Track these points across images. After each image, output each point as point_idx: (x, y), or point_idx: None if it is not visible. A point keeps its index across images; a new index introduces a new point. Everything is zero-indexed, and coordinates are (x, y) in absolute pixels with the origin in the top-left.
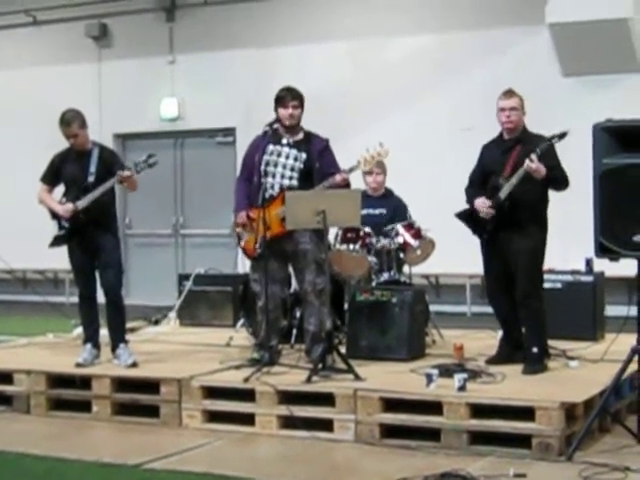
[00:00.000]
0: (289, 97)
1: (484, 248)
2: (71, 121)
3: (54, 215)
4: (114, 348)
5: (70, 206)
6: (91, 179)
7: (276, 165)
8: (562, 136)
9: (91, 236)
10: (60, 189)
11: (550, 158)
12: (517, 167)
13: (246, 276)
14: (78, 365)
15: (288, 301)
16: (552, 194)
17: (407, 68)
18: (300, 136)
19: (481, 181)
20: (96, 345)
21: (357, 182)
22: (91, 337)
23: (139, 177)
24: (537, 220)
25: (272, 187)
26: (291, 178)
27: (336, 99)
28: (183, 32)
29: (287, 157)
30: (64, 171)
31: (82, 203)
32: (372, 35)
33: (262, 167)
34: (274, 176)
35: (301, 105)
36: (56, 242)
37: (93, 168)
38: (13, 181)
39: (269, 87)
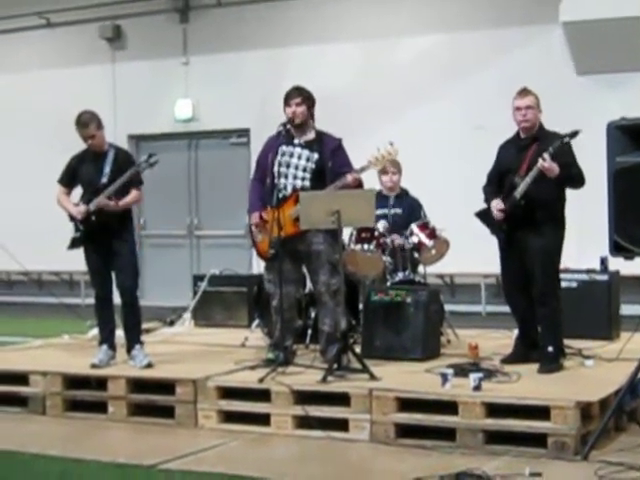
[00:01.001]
0: (292, 95)
1: (501, 247)
2: (88, 122)
3: (71, 217)
4: (129, 349)
5: (82, 208)
6: (104, 180)
7: (288, 166)
8: (574, 135)
9: (106, 238)
10: (79, 190)
11: (565, 156)
12: (533, 166)
13: (261, 277)
14: (93, 366)
15: (303, 301)
16: (568, 192)
17: (419, 68)
18: (312, 136)
19: (498, 180)
20: (112, 346)
21: (372, 182)
22: (107, 338)
23: (145, 177)
24: (553, 219)
25: (285, 188)
26: (303, 179)
27: (348, 99)
28: (197, 33)
29: (299, 157)
30: (80, 173)
31: (93, 204)
32: (384, 35)
33: (275, 168)
34: (286, 177)
35: (305, 102)
36: (73, 244)
37: (107, 169)
38: (29, 183)
39: (282, 88)
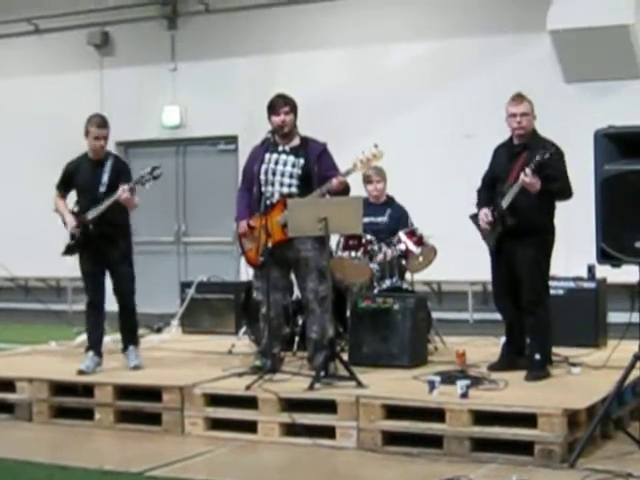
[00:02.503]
0: (280, 103)
1: (491, 254)
2: (107, 123)
3: (65, 224)
4: (124, 349)
5: (74, 223)
6: (102, 189)
7: (274, 173)
8: (552, 154)
9: (102, 247)
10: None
11: (552, 168)
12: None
13: (248, 283)
14: (80, 372)
15: (290, 308)
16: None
17: (407, 75)
18: (296, 142)
19: (491, 184)
20: (98, 353)
21: (359, 190)
22: (94, 344)
23: (145, 190)
24: (540, 229)
25: (272, 195)
26: (290, 185)
27: (337, 106)
28: (185, 40)
29: (285, 164)
30: (77, 180)
31: (91, 214)
32: (372, 42)
33: (262, 176)
34: (273, 184)
35: (292, 110)
36: (68, 251)
37: (105, 178)
38: (15, 190)
39: (271, 94)
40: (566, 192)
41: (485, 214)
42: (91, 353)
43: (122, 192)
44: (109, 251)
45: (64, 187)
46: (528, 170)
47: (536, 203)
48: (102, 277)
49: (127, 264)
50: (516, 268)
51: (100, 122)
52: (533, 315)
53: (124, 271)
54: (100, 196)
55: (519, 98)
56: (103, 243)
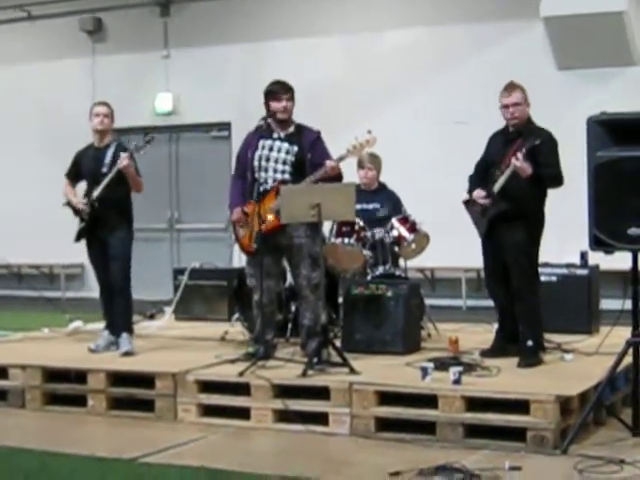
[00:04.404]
0: (282, 90)
1: (482, 240)
2: (106, 103)
3: (75, 210)
4: (117, 336)
5: (84, 200)
6: (104, 170)
7: (268, 160)
8: (542, 141)
9: (102, 230)
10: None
11: (544, 155)
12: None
13: (241, 270)
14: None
15: (283, 295)
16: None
17: (400, 62)
18: (291, 129)
19: (484, 170)
20: (113, 332)
21: (352, 177)
22: (110, 324)
23: (140, 155)
24: (529, 215)
25: (266, 182)
26: (284, 172)
27: (328, 93)
28: (178, 27)
29: (279, 151)
30: (82, 165)
31: (96, 192)
32: (366, 29)
33: (255, 162)
34: (267, 170)
35: (292, 97)
36: (80, 236)
37: (108, 160)
38: (8, 177)
39: (264, 82)
40: (557, 179)
41: (478, 192)
42: (106, 332)
43: (121, 160)
44: (106, 237)
45: (73, 175)
46: (519, 154)
47: (527, 189)
48: (108, 263)
49: (121, 248)
50: (504, 253)
51: (100, 101)
52: (522, 301)
53: (118, 256)
54: (102, 175)
55: (510, 88)
56: (105, 230)
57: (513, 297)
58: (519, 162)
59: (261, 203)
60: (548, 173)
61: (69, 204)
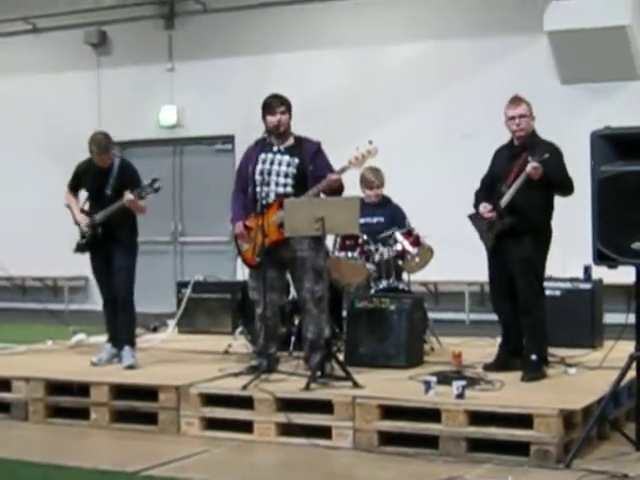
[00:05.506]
0: (276, 103)
1: (488, 254)
2: (107, 149)
3: (77, 222)
4: (120, 349)
5: (86, 221)
6: (109, 192)
7: (270, 173)
8: (550, 155)
9: (106, 243)
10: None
11: (551, 167)
12: (520, 175)
13: (245, 283)
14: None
15: (287, 308)
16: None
17: (405, 76)
18: (291, 141)
19: (490, 185)
20: (116, 345)
21: (354, 190)
22: (112, 337)
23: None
24: (537, 229)
25: (267, 195)
26: (285, 185)
27: (333, 106)
28: (182, 40)
29: (280, 164)
30: (84, 181)
31: (98, 217)
32: (370, 42)
33: (257, 177)
34: (268, 184)
35: (288, 110)
36: (79, 249)
37: (112, 180)
38: (12, 189)
39: (268, 94)
40: (567, 185)
41: (484, 206)
42: (109, 345)
43: (127, 199)
44: (111, 251)
45: (74, 186)
46: (533, 161)
47: (534, 202)
48: (112, 276)
49: (125, 262)
50: (511, 267)
51: (98, 145)
52: (528, 315)
53: (121, 268)
54: (107, 199)
55: (516, 100)
56: (109, 244)
57: (519, 311)
58: (532, 164)
59: (264, 217)
60: (559, 178)
61: (70, 211)
